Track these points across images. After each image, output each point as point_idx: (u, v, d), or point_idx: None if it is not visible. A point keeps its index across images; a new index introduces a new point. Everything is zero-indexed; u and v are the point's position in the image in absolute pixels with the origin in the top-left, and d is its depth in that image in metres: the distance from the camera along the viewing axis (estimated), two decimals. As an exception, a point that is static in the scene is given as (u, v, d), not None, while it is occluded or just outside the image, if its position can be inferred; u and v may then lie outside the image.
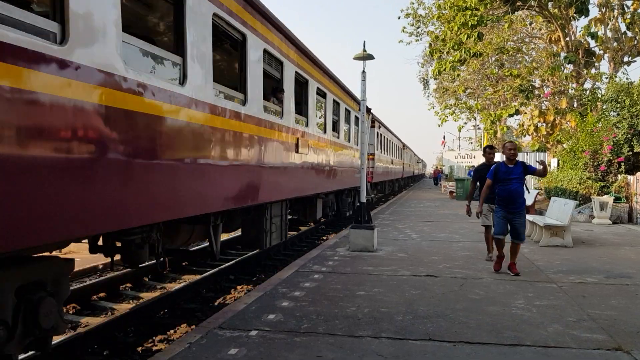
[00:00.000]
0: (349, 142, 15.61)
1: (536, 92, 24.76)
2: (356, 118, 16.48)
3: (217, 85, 6.37)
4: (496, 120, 27.79)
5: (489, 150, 9.16)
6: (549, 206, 12.19)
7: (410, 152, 53.26)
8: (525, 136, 30.59)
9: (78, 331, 5.87)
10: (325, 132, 12.12)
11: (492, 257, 8.61)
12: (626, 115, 17.58)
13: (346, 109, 15.02)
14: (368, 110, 19.74)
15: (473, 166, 29.07)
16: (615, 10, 21.64)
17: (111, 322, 6.08)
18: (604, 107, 19.16)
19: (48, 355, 5.00)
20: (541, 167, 7.99)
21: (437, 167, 73.25)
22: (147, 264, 8.41)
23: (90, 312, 6.86)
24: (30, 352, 5.08)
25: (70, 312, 6.83)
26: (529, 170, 7.79)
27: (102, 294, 7.57)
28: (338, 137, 13.82)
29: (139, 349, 5.64)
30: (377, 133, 23.36)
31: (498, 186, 7.72)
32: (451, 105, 40.84)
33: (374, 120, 22.26)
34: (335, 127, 13.65)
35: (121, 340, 5.83)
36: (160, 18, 6.87)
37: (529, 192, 8.45)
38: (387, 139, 28.08)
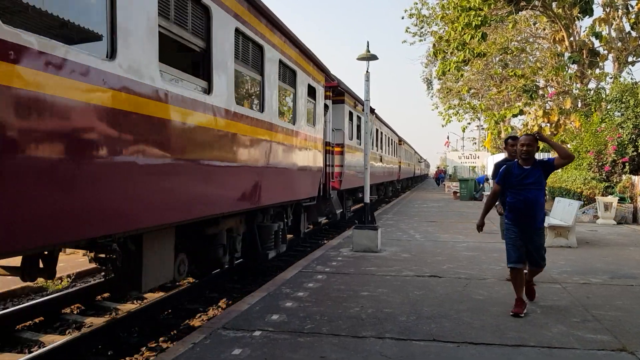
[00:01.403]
0: (291, 122, 9.11)
1: (540, 92, 24.71)
2: (311, 88, 10.32)
3: None
4: (500, 121, 27.76)
5: (511, 142, 7.13)
6: (553, 206, 12.16)
7: (409, 149, 45.27)
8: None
9: (82, 331, 5.88)
10: (161, 81, 5.06)
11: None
12: (630, 116, 17.53)
13: (283, 64, 8.63)
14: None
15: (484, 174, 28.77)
16: (620, 10, 21.57)
17: (115, 322, 6.10)
18: (608, 107, 19.12)
19: (52, 355, 5.02)
20: (556, 154, 5.92)
21: (439, 167, 73.13)
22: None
23: (94, 312, 6.87)
24: (32, 354, 5.10)
25: (75, 312, 6.85)
26: (549, 167, 5.82)
27: (106, 294, 7.58)
28: (242, 104, 7.10)
29: (143, 349, 5.65)
30: (349, 113, 15.65)
31: (509, 194, 5.80)
32: (455, 105, 40.79)
33: (342, 92, 14.38)
34: (231, 85, 6.59)
35: (125, 341, 5.84)
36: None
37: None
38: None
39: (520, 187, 5.70)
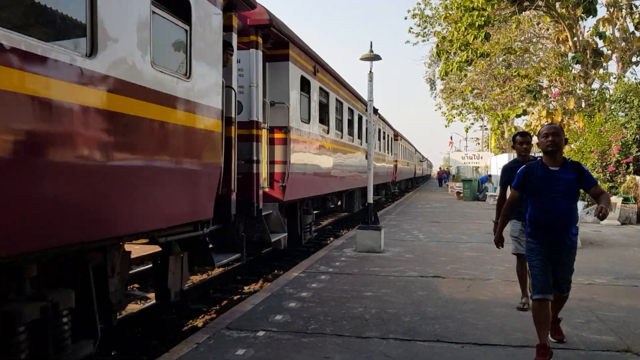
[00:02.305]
0: (83, 54, 3.71)
1: (544, 92, 24.65)
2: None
3: None
4: (503, 121, 27.70)
5: (520, 139, 5.88)
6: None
7: (408, 146, 39.24)
8: (532, 136, 30.39)
9: (86, 331, 5.88)
10: None
11: (526, 304, 5.76)
12: (635, 116, 17.48)
13: None
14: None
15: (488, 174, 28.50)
16: (624, 10, 21.51)
17: (118, 322, 6.10)
18: (612, 108, 19.07)
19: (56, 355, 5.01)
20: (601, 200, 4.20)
21: (442, 167, 72.98)
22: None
23: (98, 313, 6.86)
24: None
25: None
26: (585, 181, 4.29)
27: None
28: None
29: (147, 349, 5.65)
30: (302, 80, 9.77)
31: (531, 202, 4.41)
32: (458, 105, 40.74)
33: (284, 41, 8.80)
34: None
35: (129, 341, 5.84)
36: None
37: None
38: (339, 101, 13.24)
39: (544, 194, 4.29)
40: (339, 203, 16.42)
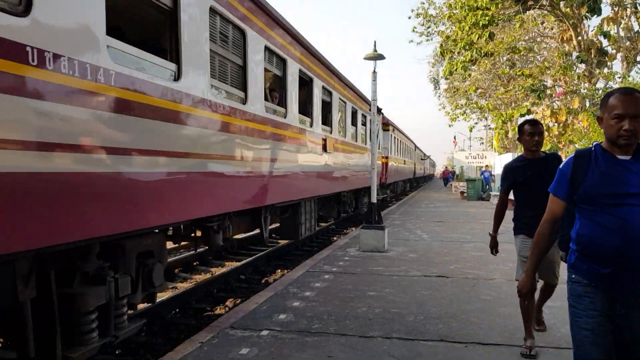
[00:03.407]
0: None
1: (548, 91, 24.59)
2: None
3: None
4: (507, 120, 27.63)
5: (529, 129, 4.50)
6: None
7: (405, 140, 32.39)
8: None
9: (90, 330, 5.90)
10: None
11: (533, 348, 4.38)
12: (639, 115, 17.44)
13: None
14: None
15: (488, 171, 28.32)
16: (628, 9, 21.44)
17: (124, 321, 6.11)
18: (617, 107, 19.00)
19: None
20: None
21: (447, 167, 72.77)
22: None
23: (102, 311, 6.87)
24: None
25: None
26: None
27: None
28: None
29: (151, 348, 5.67)
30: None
31: (582, 214, 2.67)
32: (462, 105, 40.66)
33: None
34: None
35: (132, 339, 5.86)
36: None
37: None
38: (271, 52, 7.57)
39: (607, 200, 2.56)
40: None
